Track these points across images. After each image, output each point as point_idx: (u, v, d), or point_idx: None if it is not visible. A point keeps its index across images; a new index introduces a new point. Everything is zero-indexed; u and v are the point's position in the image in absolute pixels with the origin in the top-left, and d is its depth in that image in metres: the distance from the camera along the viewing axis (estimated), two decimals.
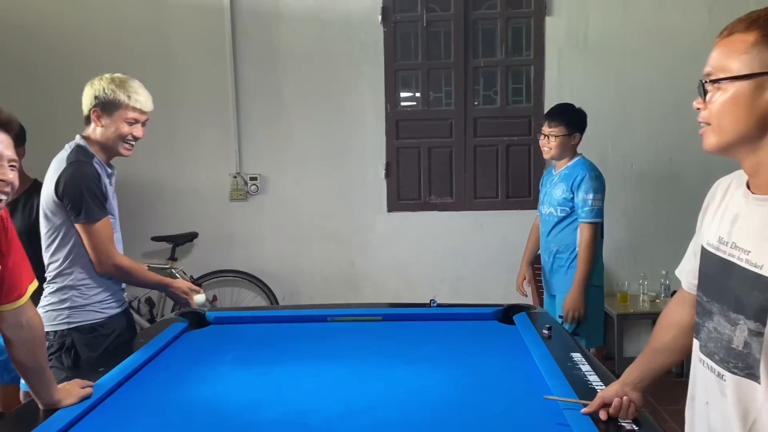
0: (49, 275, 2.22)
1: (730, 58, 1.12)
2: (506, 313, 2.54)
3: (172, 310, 4.24)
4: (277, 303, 4.39)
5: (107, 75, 2.25)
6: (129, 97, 2.20)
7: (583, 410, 1.56)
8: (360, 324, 2.52)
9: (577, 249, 3.08)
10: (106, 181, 2.26)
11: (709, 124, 1.17)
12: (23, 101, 4.34)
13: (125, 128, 2.22)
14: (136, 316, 3.99)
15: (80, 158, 2.17)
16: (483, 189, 4.43)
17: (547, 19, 4.30)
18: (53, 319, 2.17)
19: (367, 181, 4.46)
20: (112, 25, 4.34)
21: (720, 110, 1.14)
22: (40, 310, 2.05)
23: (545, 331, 2.20)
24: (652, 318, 4.39)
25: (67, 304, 2.20)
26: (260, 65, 4.37)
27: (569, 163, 3.16)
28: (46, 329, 1.78)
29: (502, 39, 4.32)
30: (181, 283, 2.42)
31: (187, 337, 2.34)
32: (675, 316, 1.45)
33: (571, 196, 3.09)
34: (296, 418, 1.66)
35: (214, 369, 2.04)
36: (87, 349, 2.20)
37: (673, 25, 4.28)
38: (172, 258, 4.26)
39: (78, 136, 2.27)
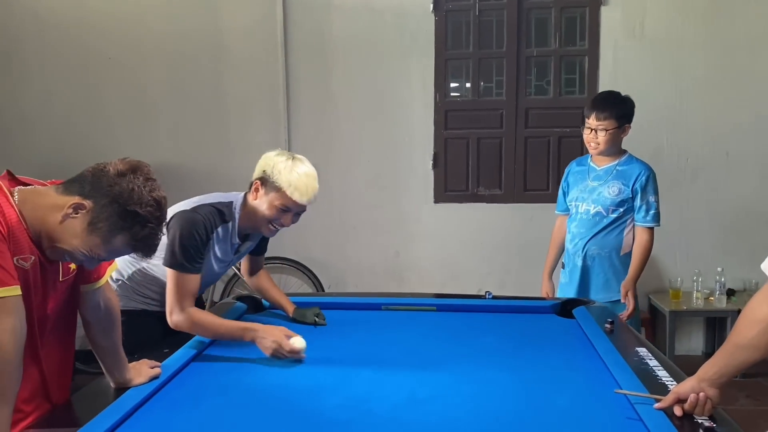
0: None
1: None
2: (563, 307, 2.51)
3: (221, 299, 4.31)
4: (323, 290, 4.42)
5: (287, 153, 2.15)
6: (289, 185, 2.09)
7: (657, 405, 1.52)
8: (414, 313, 2.53)
9: (621, 253, 2.90)
10: (221, 246, 2.16)
11: None
12: (81, 88, 4.45)
13: (274, 213, 2.13)
14: None
15: (204, 210, 2.08)
16: (533, 181, 4.37)
17: (603, 8, 4.21)
18: None
19: (415, 171, 4.45)
20: (166, 14, 4.39)
21: None
22: None
23: (607, 326, 2.16)
24: (704, 316, 4.30)
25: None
26: (311, 54, 4.38)
27: (620, 159, 2.90)
28: None
29: (556, 28, 4.25)
30: (268, 333, 2.01)
31: (246, 320, 2.36)
32: (760, 311, 1.40)
33: (630, 196, 2.85)
34: (360, 404, 1.66)
35: None
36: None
37: (733, 16, 4.15)
38: None
39: (241, 195, 2.19)
